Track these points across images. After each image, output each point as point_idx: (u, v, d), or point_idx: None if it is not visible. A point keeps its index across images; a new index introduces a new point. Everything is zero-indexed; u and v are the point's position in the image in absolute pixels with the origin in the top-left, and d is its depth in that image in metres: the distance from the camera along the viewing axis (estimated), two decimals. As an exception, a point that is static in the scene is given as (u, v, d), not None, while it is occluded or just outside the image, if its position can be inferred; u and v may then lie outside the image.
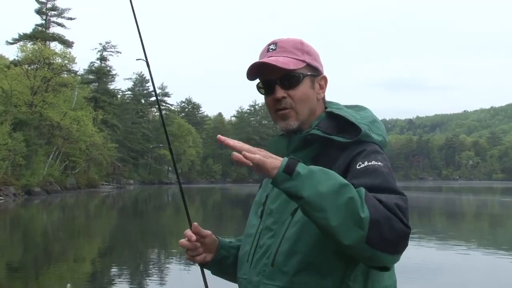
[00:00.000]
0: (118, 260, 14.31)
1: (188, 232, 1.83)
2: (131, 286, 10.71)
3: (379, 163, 1.55)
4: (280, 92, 1.68)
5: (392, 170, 1.60)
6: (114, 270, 12.78)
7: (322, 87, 1.75)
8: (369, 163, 1.54)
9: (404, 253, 1.45)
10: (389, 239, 1.36)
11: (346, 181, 1.41)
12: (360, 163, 1.56)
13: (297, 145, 1.69)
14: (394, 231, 1.37)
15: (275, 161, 1.44)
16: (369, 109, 1.79)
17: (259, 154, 1.44)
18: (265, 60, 1.67)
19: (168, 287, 10.27)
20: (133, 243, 17.78)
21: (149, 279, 11.29)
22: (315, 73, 1.72)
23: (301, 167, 1.41)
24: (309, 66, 1.70)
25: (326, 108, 1.77)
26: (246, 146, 1.47)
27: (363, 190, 1.40)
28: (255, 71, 1.71)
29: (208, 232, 1.87)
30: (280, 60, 1.66)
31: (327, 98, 1.82)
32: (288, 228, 1.62)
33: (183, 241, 1.83)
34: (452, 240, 17.28)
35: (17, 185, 44.04)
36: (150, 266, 13.19)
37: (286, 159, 1.44)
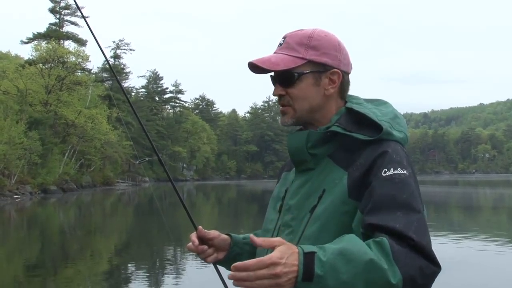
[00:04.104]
0: (134, 257, 14.37)
1: (192, 237, 1.84)
2: (148, 283, 10.73)
3: (405, 172, 1.51)
4: (277, 90, 1.69)
5: (413, 168, 1.57)
6: (130, 267, 12.82)
7: (334, 82, 1.68)
8: (395, 171, 1.50)
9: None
10: (421, 284, 1.35)
11: (369, 255, 1.31)
12: (386, 169, 1.51)
13: (316, 141, 1.65)
14: (426, 278, 1.35)
15: (289, 270, 1.28)
16: (390, 104, 1.74)
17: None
18: (254, 61, 1.67)
19: (185, 284, 10.26)
20: (149, 240, 17.83)
21: (166, 276, 11.31)
22: (320, 69, 1.66)
23: (318, 267, 1.29)
24: (311, 62, 1.65)
25: (346, 102, 1.72)
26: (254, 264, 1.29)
27: (387, 245, 1.33)
28: (250, 65, 1.71)
29: (215, 233, 1.87)
30: (271, 60, 1.64)
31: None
32: (307, 225, 1.60)
33: (190, 245, 1.85)
34: (469, 234, 17.13)
35: (33, 184, 44.44)
36: (167, 263, 13.21)
37: (301, 261, 1.29)
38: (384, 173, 1.50)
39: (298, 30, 1.71)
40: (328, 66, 1.67)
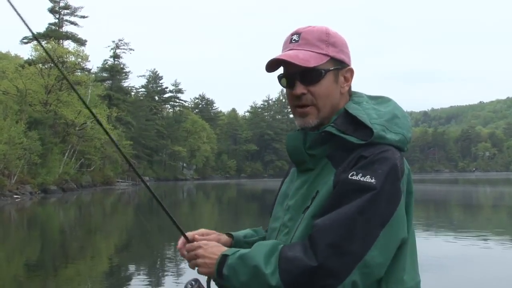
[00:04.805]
0: (135, 256, 14.36)
1: (180, 244, 1.79)
2: (149, 282, 10.72)
3: (373, 181, 1.47)
4: (299, 88, 1.62)
5: (396, 179, 1.50)
6: (131, 266, 12.82)
7: (348, 80, 1.67)
8: (362, 178, 1.48)
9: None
10: (305, 284, 1.44)
11: (255, 261, 1.49)
12: (354, 173, 1.50)
13: (313, 142, 1.63)
14: (306, 278, 1.43)
15: (207, 256, 1.62)
16: (393, 101, 1.70)
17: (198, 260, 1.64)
18: (282, 57, 1.61)
19: (184, 283, 10.25)
20: (149, 239, 17.82)
21: (166, 275, 11.30)
22: (339, 66, 1.64)
23: (226, 268, 1.55)
24: (333, 59, 1.62)
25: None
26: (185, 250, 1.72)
27: (279, 251, 1.49)
28: (275, 62, 1.64)
29: (209, 235, 1.80)
30: (300, 56, 1.58)
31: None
32: (298, 226, 1.60)
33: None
34: (469, 233, 17.12)
35: (33, 184, 44.37)
36: (167, 262, 13.21)
37: (217, 263, 1.58)
38: (350, 176, 1.50)
39: (310, 27, 1.67)
40: (345, 64, 1.66)
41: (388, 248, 1.48)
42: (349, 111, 1.61)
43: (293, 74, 1.62)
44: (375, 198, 1.45)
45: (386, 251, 1.47)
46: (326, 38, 1.63)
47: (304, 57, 1.58)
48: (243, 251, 1.56)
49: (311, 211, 1.57)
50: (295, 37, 1.64)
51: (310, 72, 1.59)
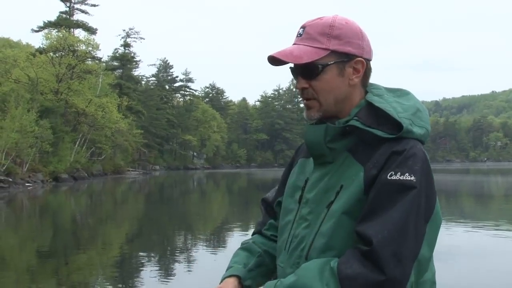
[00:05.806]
0: (146, 245, 14.43)
1: None
2: (160, 270, 10.77)
3: (412, 178, 1.47)
4: (301, 83, 1.63)
5: (429, 172, 1.53)
6: (142, 255, 12.87)
7: (358, 71, 1.63)
8: (401, 177, 1.47)
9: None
10: None
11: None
12: (392, 173, 1.48)
13: (334, 135, 1.62)
14: None
15: None
16: (412, 94, 1.68)
17: None
18: (276, 54, 1.60)
19: (196, 271, 10.30)
20: (160, 228, 17.91)
21: (177, 264, 11.35)
22: (344, 58, 1.61)
23: None
24: (335, 53, 1.60)
25: (367, 92, 1.68)
26: None
27: (336, 271, 1.43)
28: (271, 58, 1.64)
29: None
30: (294, 53, 1.59)
31: None
32: (323, 221, 1.58)
33: None
34: (481, 223, 17.05)
35: (45, 172, 44.71)
36: (178, 251, 13.26)
37: None
38: (389, 176, 1.48)
39: (318, 19, 1.65)
40: (352, 55, 1.62)
41: (433, 241, 1.54)
42: (375, 104, 1.60)
43: (295, 69, 1.64)
44: (418, 196, 1.47)
45: (432, 245, 1.54)
46: (329, 31, 1.60)
47: (298, 54, 1.58)
48: (285, 280, 1.51)
49: (340, 208, 1.55)
50: (300, 30, 1.64)
51: (308, 67, 1.59)
